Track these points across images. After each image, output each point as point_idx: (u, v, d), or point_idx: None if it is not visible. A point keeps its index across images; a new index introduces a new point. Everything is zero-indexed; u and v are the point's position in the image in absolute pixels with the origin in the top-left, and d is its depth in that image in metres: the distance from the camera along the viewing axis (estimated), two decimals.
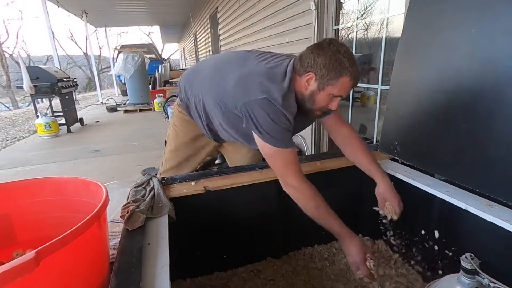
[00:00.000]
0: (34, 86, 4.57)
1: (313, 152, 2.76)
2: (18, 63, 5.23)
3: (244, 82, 1.05)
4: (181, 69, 11.04)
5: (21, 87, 4.71)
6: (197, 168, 1.54)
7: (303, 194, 1.02)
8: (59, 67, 6.38)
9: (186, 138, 1.39)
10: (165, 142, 1.53)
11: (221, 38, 6.60)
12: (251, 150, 1.45)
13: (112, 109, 7.27)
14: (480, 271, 0.67)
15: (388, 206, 1.13)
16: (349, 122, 2.46)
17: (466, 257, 0.69)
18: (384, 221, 1.22)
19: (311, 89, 1.01)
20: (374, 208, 1.22)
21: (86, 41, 20.50)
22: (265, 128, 0.99)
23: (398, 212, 1.11)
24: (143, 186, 1.11)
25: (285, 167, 1.03)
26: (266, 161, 1.08)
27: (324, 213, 1.01)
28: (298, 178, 1.02)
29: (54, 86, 4.68)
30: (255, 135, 1.04)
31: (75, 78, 5.69)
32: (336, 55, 0.94)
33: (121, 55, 6.69)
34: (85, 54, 22.95)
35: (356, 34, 2.28)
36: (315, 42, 2.49)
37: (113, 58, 10.20)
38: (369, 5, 2.21)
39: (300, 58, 1.02)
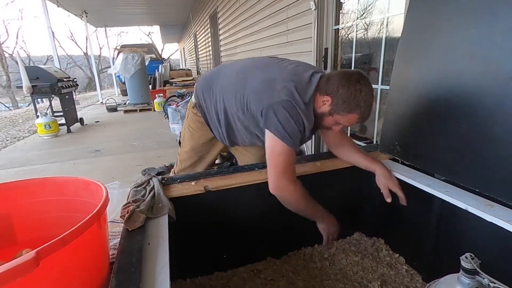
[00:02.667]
0: (34, 86, 4.57)
1: (313, 153, 2.76)
2: (18, 63, 5.23)
3: (269, 85, 1.10)
4: (181, 69, 11.03)
5: (21, 87, 4.71)
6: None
7: (295, 194, 1.09)
8: (59, 67, 6.38)
9: (202, 140, 1.45)
10: (179, 142, 1.59)
11: (221, 38, 6.60)
12: (261, 149, 1.47)
13: (112, 109, 7.27)
14: (480, 271, 0.67)
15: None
16: None
17: (466, 257, 0.68)
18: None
19: (323, 110, 1.09)
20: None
21: (86, 41, 20.53)
22: (284, 125, 1.04)
23: (401, 195, 1.16)
24: (143, 186, 1.11)
25: (286, 168, 1.07)
26: (268, 159, 1.11)
27: (313, 205, 1.13)
28: (294, 181, 1.09)
29: (54, 86, 4.67)
30: (268, 133, 1.08)
31: (75, 78, 5.69)
32: (357, 94, 1.01)
33: (121, 55, 6.68)
34: (85, 54, 22.94)
35: (356, 34, 2.28)
36: (316, 42, 2.50)
37: (113, 58, 10.21)
38: (369, 5, 2.21)
39: (328, 79, 1.08)
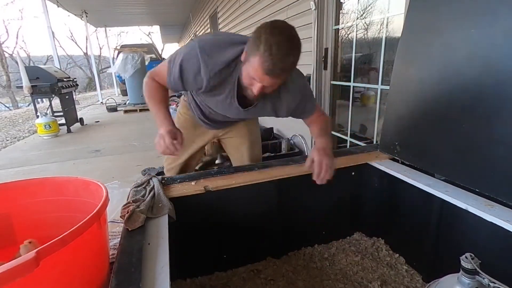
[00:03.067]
0: (34, 86, 4.58)
1: None
2: (18, 63, 5.22)
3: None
4: None
5: (21, 87, 4.71)
6: (197, 168, 1.56)
7: (145, 86, 1.15)
8: (59, 67, 6.38)
9: (185, 124, 1.46)
10: None
11: None
12: (250, 147, 1.51)
13: (112, 109, 7.27)
14: (480, 271, 0.67)
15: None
16: (349, 122, 2.47)
17: (466, 257, 0.69)
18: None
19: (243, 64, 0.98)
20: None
21: (86, 41, 20.54)
22: (174, 59, 1.04)
23: (317, 172, 1.05)
24: (143, 186, 1.11)
25: (156, 72, 1.13)
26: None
27: (156, 107, 1.13)
28: (153, 78, 1.14)
29: (54, 86, 4.67)
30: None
31: (75, 78, 5.69)
32: (259, 35, 0.87)
33: (121, 55, 6.68)
34: (85, 54, 22.94)
35: (356, 34, 2.28)
36: (316, 42, 2.50)
37: (113, 58, 10.21)
38: (369, 5, 2.21)
39: None
